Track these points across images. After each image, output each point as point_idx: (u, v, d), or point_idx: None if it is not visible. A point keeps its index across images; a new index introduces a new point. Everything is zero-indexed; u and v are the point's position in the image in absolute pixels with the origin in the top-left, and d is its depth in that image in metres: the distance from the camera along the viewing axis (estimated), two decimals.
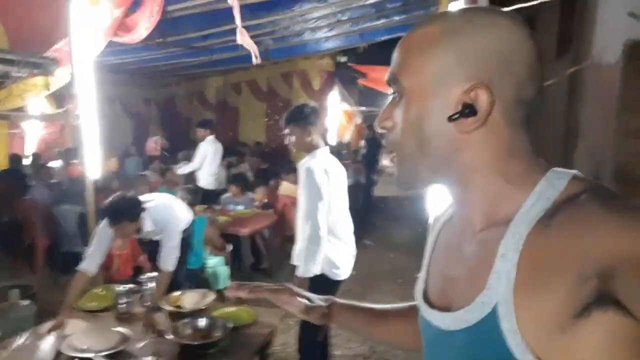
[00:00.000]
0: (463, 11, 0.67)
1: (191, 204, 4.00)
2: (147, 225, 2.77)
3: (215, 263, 4.25)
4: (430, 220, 0.87)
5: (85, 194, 3.10)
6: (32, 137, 8.35)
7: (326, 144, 2.67)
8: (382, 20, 5.67)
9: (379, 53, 7.91)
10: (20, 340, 2.00)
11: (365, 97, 11.98)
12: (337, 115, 11.16)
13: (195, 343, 1.91)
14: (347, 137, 11.74)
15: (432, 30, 0.66)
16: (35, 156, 7.74)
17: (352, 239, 2.69)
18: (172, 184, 5.56)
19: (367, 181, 8.62)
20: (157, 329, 2.09)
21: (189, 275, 3.42)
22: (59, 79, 3.19)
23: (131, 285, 2.37)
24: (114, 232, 2.54)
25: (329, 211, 2.47)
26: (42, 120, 7.77)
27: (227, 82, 9.98)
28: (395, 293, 4.57)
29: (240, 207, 5.29)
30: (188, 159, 6.51)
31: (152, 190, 4.60)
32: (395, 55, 0.69)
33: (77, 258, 2.59)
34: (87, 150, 3.08)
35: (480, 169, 0.65)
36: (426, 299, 0.77)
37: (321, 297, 1.02)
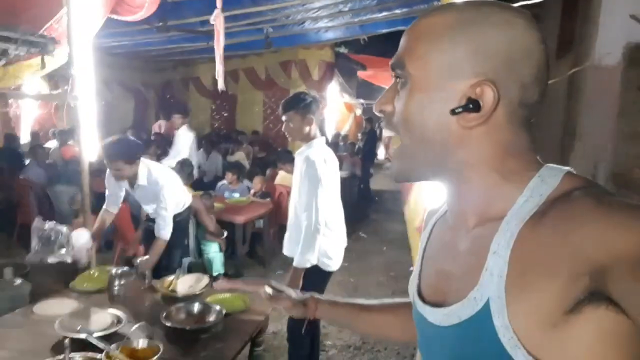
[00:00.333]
0: (480, 4, 0.66)
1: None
2: (142, 177, 2.86)
3: (211, 249, 4.27)
4: (423, 217, 0.88)
5: (81, 176, 3.09)
6: (27, 117, 8.29)
7: (322, 134, 2.65)
8: (384, 13, 5.64)
9: (379, 45, 7.89)
10: (13, 318, 2.01)
11: (364, 89, 11.97)
12: (336, 106, 11.12)
13: (188, 328, 1.92)
14: (347, 128, 11.70)
15: (445, 19, 0.65)
16: (31, 136, 7.69)
17: (344, 230, 2.70)
18: None
19: (363, 174, 8.64)
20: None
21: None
22: (56, 58, 3.16)
23: (125, 268, 2.37)
24: (110, 171, 2.72)
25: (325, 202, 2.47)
26: (39, 100, 7.71)
27: (224, 70, 9.90)
28: (387, 285, 4.61)
29: (236, 195, 5.29)
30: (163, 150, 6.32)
31: None
32: (404, 40, 0.68)
33: None
34: (84, 132, 3.06)
35: (477, 165, 0.65)
36: (420, 295, 0.77)
37: (300, 292, 1.05)
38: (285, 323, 2.66)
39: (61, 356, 1.57)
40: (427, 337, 0.74)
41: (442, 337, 0.68)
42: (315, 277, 2.47)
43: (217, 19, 3.39)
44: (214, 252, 4.24)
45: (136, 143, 3.01)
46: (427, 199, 2.02)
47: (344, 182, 6.95)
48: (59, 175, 5.51)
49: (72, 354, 1.58)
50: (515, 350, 0.56)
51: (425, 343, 0.75)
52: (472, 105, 0.62)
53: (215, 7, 3.62)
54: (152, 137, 7.98)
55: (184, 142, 5.62)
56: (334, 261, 2.59)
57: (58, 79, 8.02)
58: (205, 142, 7.39)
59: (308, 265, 2.44)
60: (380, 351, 3.33)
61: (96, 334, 1.71)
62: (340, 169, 7.93)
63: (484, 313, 0.59)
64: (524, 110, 0.64)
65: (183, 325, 1.94)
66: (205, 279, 2.43)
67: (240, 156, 7.33)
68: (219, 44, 3.44)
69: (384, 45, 8.02)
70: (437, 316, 0.69)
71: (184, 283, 2.36)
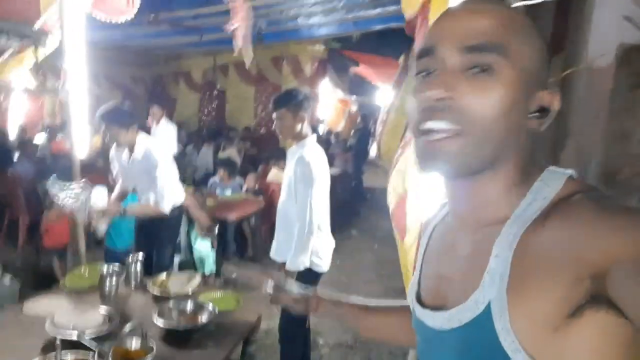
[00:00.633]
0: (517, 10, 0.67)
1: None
2: (138, 152, 2.93)
3: (202, 247, 4.24)
4: (421, 223, 0.87)
5: (72, 171, 3.04)
6: (15, 111, 8.18)
7: (314, 132, 2.58)
8: (378, 10, 5.63)
9: (372, 42, 7.88)
10: (1, 317, 1.98)
11: (356, 86, 11.93)
12: (329, 103, 11.09)
13: (181, 327, 1.91)
14: (341, 125, 11.67)
15: (523, 20, 0.64)
16: (20, 130, 7.58)
17: (329, 230, 2.65)
18: None
19: (355, 171, 8.63)
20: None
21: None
22: (47, 49, 3.12)
23: (117, 266, 2.35)
24: (108, 136, 2.89)
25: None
26: (29, 95, 7.60)
27: (215, 64, 9.81)
28: (379, 283, 4.62)
29: (228, 192, 5.26)
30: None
31: None
32: (489, 24, 0.61)
33: None
34: (74, 127, 3.02)
35: (508, 167, 0.65)
36: (420, 300, 0.77)
37: (303, 287, 1.05)
38: (277, 322, 2.65)
39: (52, 354, 1.55)
40: (427, 342, 0.74)
41: (442, 341, 0.67)
42: (307, 278, 2.45)
43: None
44: (205, 249, 4.22)
45: (130, 111, 3.08)
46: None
47: (336, 179, 6.93)
48: (48, 171, 5.43)
49: (63, 352, 1.56)
50: (516, 353, 0.56)
51: (425, 347, 0.75)
52: (544, 111, 0.64)
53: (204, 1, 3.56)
54: None
55: (166, 136, 5.41)
56: (324, 261, 2.56)
57: (46, 71, 7.92)
58: (195, 137, 7.33)
59: (302, 268, 2.40)
60: (373, 350, 3.34)
61: (88, 335, 1.69)
62: (332, 165, 7.93)
63: (485, 316, 0.59)
64: None
65: (175, 325, 1.92)
66: (198, 278, 2.41)
67: (231, 153, 7.29)
68: (244, 22, 3.29)
69: (376, 42, 8.02)
70: (437, 320, 0.69)
71: (175, 282, 2.34)
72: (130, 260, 2.41)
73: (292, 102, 2.44)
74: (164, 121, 5.56)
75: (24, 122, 8.02)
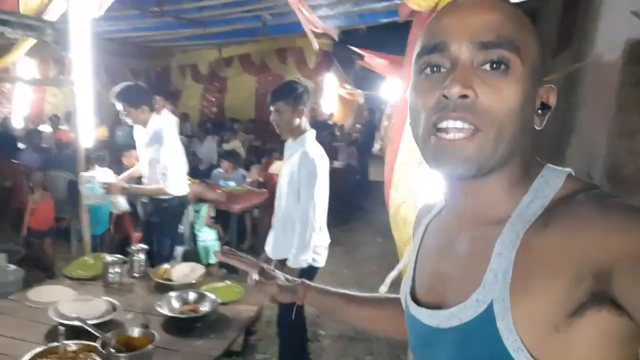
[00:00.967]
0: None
1: None
2: (150, 128, 3.07)
3: (207, 237, 4.26)
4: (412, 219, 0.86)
5: (76, 161, 3.06)
6: (20, 101, 8.20)
7: (312, 127, 2.48)
8: (384, 3, 5.59)
9: (378, 36, 7.83)
10: (6, 304, 2.00)
11: (362, 79, 11.87)
12: (334, 96, 11.04)
13: (183, 317, 1.92)
14: (349, 119, 11.59)
15: (526, 16, 0.63)
16: (25, 120, 7.62)
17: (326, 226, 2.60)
18: None
19: (360, 165, 8.61)
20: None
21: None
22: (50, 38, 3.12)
23: (120, 256, 2.37)
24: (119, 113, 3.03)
25: None
26: (35, 85, 7.62)
27: (220, 56, 9.80)
28: (381, 276, 4.61)
29: (231, 184, 5.27)
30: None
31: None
32: (501, 19, 0.60)
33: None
34: (80, 117, 3.03)
35: (514, 165, 0.64)
36: (414, 297, 0.75)
37: (290, 278, 1.04)
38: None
39: (55, 343, 1.57)
40: (423, 339, 0.72)
41: (440, 339, 0.67)
42: (306, 275, 2.43)
43: None
44: (210, 240, 4.23)
45: (141, 90, 3.22)
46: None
47: (340, 172, 6.90)
48: (53, 160, 5.47)
49: (67, 342, 1.57)
50: (518, 352, 0.56)
51: (420, 345, 0.74)
52: (544, 108, 0.64)
53: None
54: None
55: (169, 128, 5.45)
56: (322, 257, 2.53)
57: (50, 60, 7.92)
58: (199, 130, 7.34)
59: (304, 265, 2.35)
60: (374, 342, 3.35)
61: (91, 322, 1.70)
62: (337, 159, 7.90)
63: (487, 315, 0.59)
64: None
65: (178, 314, 1.94)
66: (201, 268, 2.43)
67: (235, 144, 7.29)
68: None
69: (383, 35, 7.97)
70: (434, 318, 0.68)
71: (179, 271, 2.36)
72: (133, 249, 2.42)
73: (290, 95, 2.32)
74: (166, 112, 5.55)
75: (28, 112, 8.05)
